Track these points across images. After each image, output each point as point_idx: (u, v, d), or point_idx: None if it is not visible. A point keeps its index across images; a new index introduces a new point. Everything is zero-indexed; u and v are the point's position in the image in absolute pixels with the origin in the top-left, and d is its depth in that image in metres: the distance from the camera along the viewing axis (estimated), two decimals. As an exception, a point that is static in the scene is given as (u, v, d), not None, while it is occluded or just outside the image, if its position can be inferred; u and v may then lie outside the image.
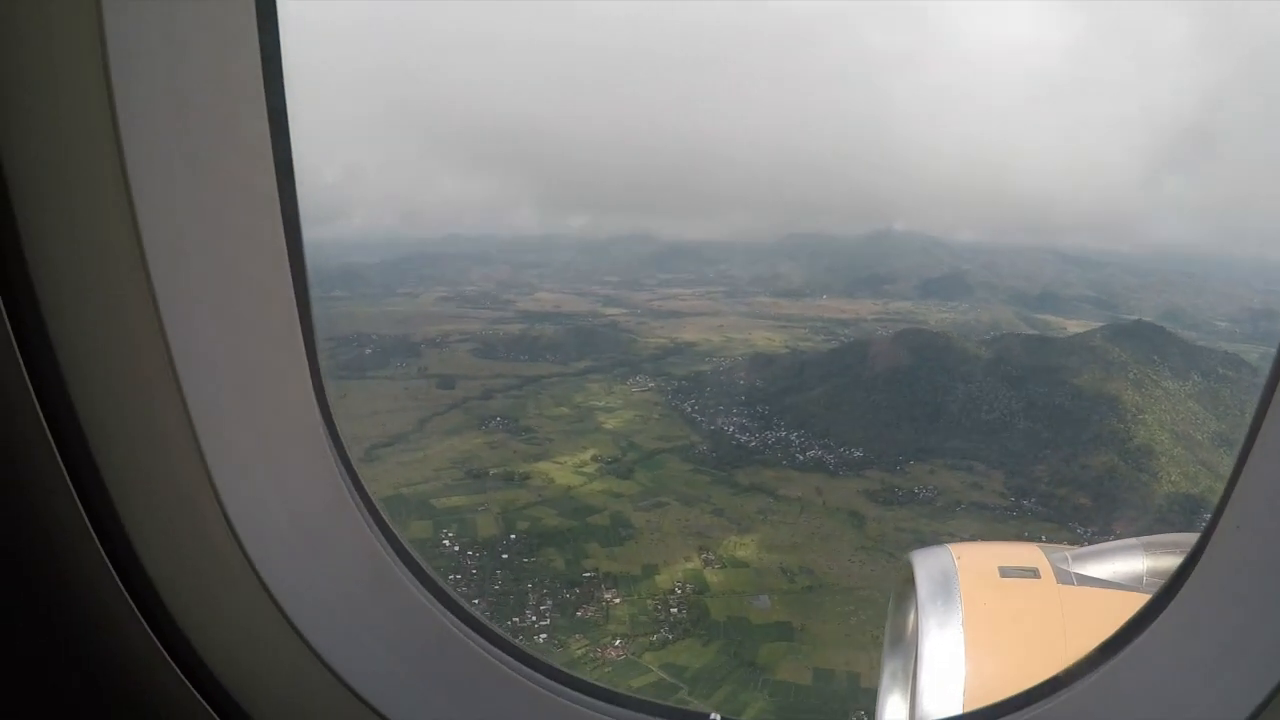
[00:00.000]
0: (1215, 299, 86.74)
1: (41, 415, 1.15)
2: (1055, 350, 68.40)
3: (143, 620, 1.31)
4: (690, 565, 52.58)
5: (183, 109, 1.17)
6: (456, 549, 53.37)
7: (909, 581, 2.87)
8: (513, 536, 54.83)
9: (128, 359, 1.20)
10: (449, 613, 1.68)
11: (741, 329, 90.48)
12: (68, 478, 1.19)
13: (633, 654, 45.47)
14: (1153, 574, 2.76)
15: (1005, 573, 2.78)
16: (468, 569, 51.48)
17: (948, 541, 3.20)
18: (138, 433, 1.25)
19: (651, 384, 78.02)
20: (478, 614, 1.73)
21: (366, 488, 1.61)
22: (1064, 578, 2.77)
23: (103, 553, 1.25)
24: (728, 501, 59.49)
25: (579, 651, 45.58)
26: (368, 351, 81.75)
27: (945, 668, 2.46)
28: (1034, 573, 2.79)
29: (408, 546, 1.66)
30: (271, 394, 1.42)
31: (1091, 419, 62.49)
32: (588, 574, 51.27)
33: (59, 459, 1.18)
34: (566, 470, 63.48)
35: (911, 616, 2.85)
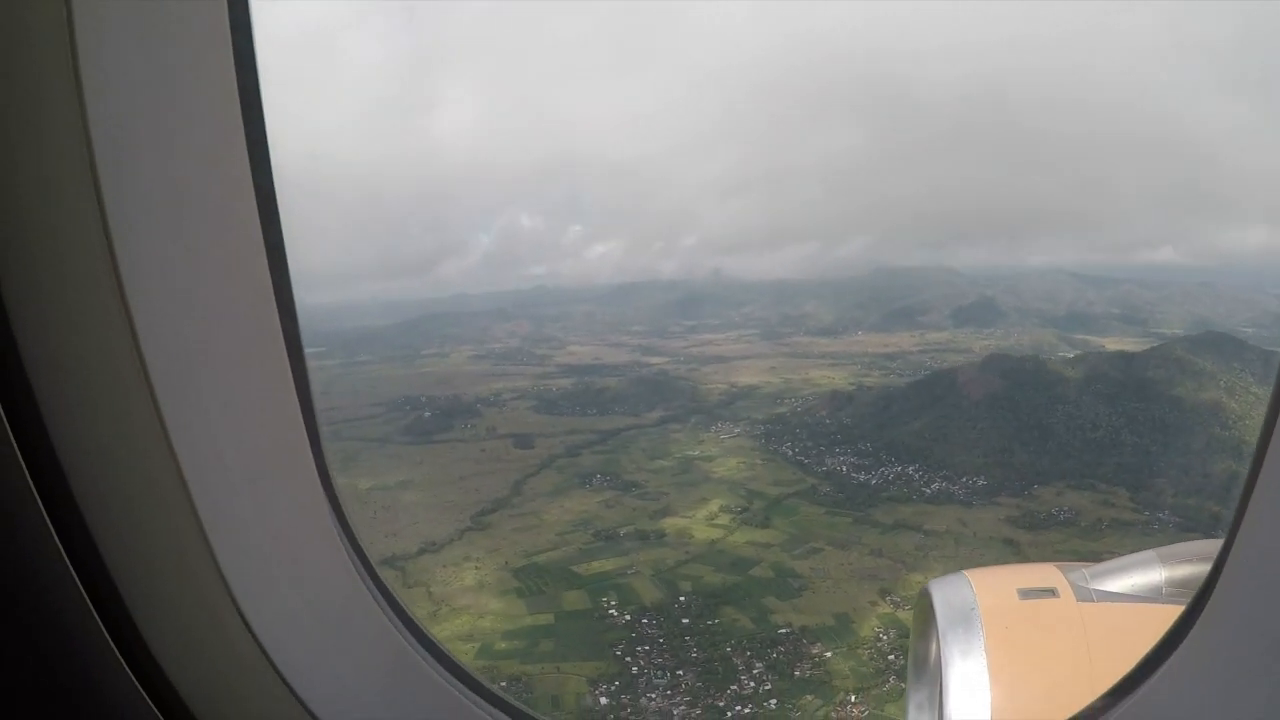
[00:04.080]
0: (1233, 305, 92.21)
1: (51, 527, 1.17)
2: (1140, 365, 70.42)
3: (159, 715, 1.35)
4: (882, 609, 50.23)
5: (175, 203, 1.18)
6: (627, 618, 49.55)
7: (929, 611, 2.85)
8: (681, 599, 51.37)
9: (132, 460, 1.22)
10: (475, 695, 1.68)
11: (795, 369, 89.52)
12: (79, 582, 1.21)
13: (875, 709, 42.68)
14: (1171, 584, 2.70)
15: (1024, 595, 2.76)
16: (654, 638, 47.63)
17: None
18: (150, 542, 1.27)
19: (737, 429, 75.77)
20: (505, 695, 1.73)
21: (378, 569, 1.62)
22: (1083, 595, 2.74)
23: (117, 652, 1.27)
24: (880, 541, 57.56)
25: (821, 715, 42.51)
26: (426, 415, 76.56)
27: (970, 695, 2.42)
28: (1053, 592, 2.76)
29: (425, 629, 1.68)
30: (277, 483, 1.44)
31: (1197, 429, 64.22)
32: (783, 630, 48.21)
33: (70, 565, 1.19)
34: (700, 524, 60.35)
35: (934, 646, 2.83)
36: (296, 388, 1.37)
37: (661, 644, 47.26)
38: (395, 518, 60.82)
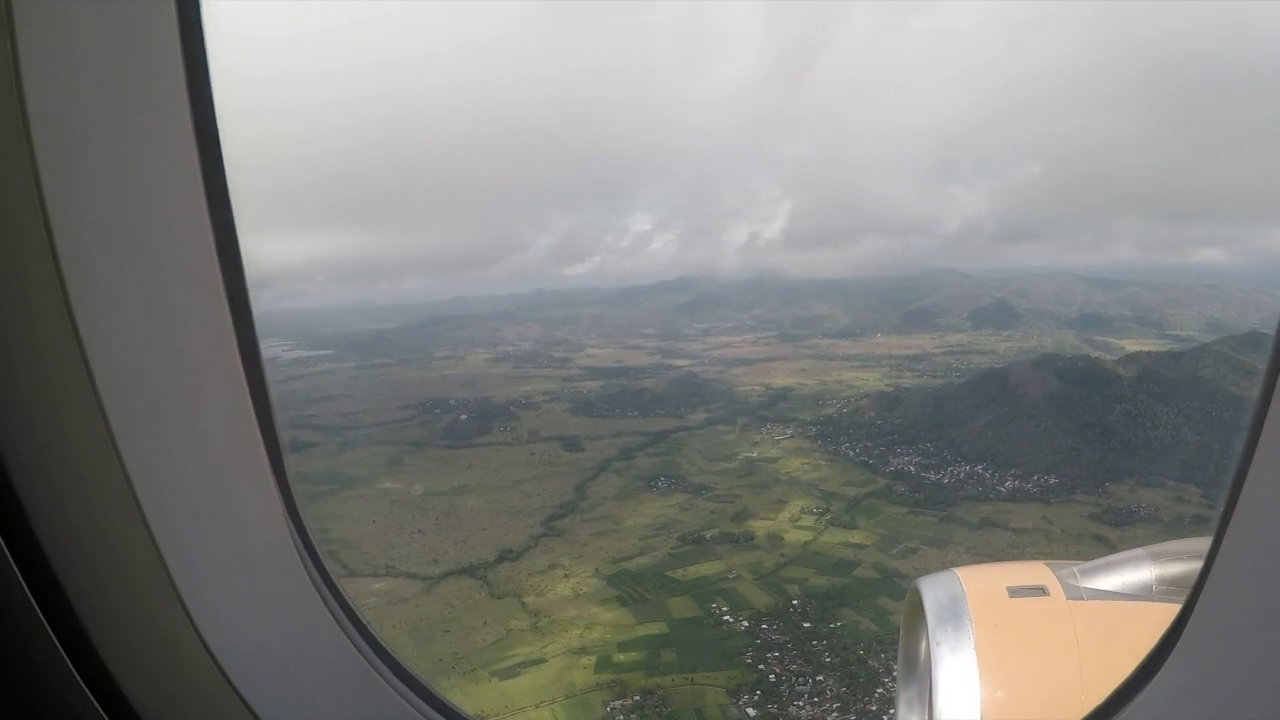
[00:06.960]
0: (1242, 308, 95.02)
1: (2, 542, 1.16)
2: (1190, 364, 71.38)
3: None
4: (1002, 609, 48.61)
5: (122, 203, 1.14)
6: (745, 624, 46.65)
7: (918, 608, 2.79)
8: (795, 603, 48.70)
9: (80, 469, 1.20)
10: (433, 710, 1.68)
11: (825, 371, 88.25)
12: (30, 595, 1.19)
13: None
14: (1161, 582, 2.65)
15: (1014, 593, 2.74)
16: (780, 644, 44.81)
17: None
18: (102, 555, 1.26)
19: (789, 431, 73.68)
20: (462, 710, 1.73)
21: (338, 583, 1.61)
22: (1073, 593, 2.70)
23: (71, 667, 1.26)
24: (971, 539, 56.18)
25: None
26: (463, 417, 71.96)
27: (960, 693, 2.41)
28: (1043, 590, 2.74)
29: (383, 642, 1.67)
30: (232, 492, 1.40)
31: (1256, 426, 65.02)
32: (910, 632, 46.01)
33: (21, 579, 1.18)
34: (786, 526, 57.92)
35: (923, 644, 2.86)
36: (253, 395, 1.33)
37: (790, 649, 44.55)
38: (460, 524, 56.47)
